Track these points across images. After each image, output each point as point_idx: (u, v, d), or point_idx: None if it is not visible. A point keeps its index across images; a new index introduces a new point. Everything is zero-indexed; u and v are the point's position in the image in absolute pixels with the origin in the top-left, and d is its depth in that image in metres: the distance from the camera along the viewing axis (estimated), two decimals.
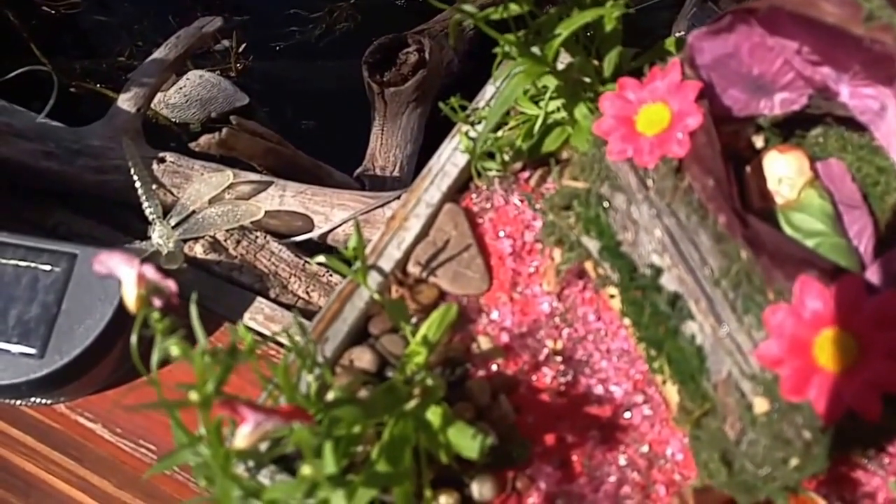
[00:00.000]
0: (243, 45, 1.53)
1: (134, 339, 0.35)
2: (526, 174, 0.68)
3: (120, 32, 1.58)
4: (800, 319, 0.38)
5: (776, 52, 0.47)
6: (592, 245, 0.53)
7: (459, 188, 0.67)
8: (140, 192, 0.82)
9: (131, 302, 0.35)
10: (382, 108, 1.13)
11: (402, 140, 1.13)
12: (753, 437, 0.41)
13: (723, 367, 0.44)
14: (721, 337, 0.42)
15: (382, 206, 0.89)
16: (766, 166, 0.53)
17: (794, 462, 0.40)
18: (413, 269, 0.61)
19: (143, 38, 1.58)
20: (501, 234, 0.64)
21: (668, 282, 0.47)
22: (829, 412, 0.37)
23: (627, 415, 0.56)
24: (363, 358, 0.56)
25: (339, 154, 1.35)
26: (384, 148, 1.13)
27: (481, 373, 0.58)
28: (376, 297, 0.57)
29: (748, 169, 0.53)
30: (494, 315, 0.60)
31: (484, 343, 0.59)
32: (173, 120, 1.40)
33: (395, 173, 1.11)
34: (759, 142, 0.54)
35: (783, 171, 0.52)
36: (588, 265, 0.56)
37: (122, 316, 0.71)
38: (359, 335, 0.58)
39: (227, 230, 0.82)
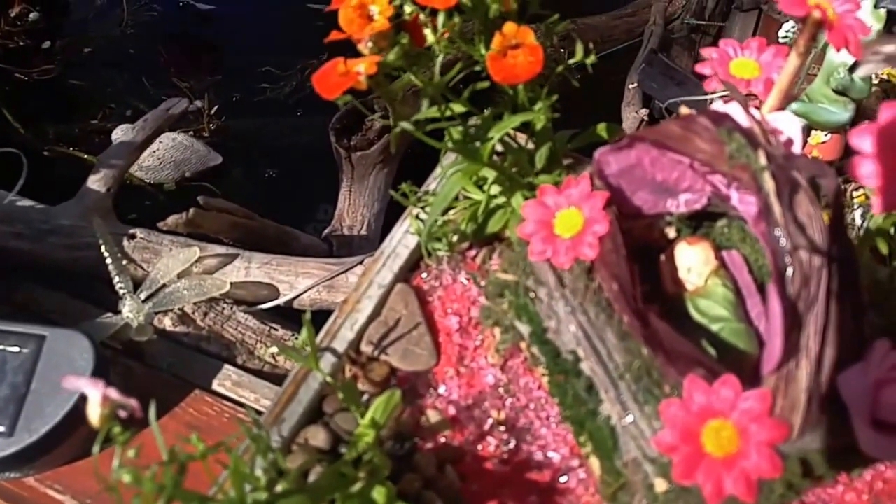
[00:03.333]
0: (216, 107, 1.59)
1: (96, 449, 0.39)
2: (472, 253, 0.73)
3: (93, 96, 1.63)
4: (689, 412, 0.44)
5: (673, 164, 0.53)
6: (524, 329, 0.59)
7: (410, 267, 0.72)
8: (111, 268, 0.87)
9: (95, 419, 0.40)
10: (350, 170, 1.19)
11: (369, 200, 1.19)
12: None
13: (630, 448, 0.49)
14: (625, 424, 0.48)
15: (345, 272, 0.95)
16: (677, 256, 0.58)
17: None
18: (365, 348, 0.66)
19: (116, 100, 1.64)
20: (449, 311, 0.69)
21: (586, 368, 0.53)
22: (714, 495, 0.42)
23: (564, 479, 0.61)
24: (318, 437, 0.61)
25: (310, 207, 1.40)
26: (352, 208, 1.18)
27: (429, 445, 0.63)
28: (329, 380, 0.62)
29: (662, 257, 0.59)
30: (442, 389, 0.65)
31: (432, 416, 0.64)
32: (147, 181, 1.45)
33: (363, 232, 1.16)
34: (671, 232, 0.60)
35: (691, 261, 0.57)
36: (522, 345, 0.61)
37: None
38: (313, 414, 0.63)
39: (195, 303, 0.87)
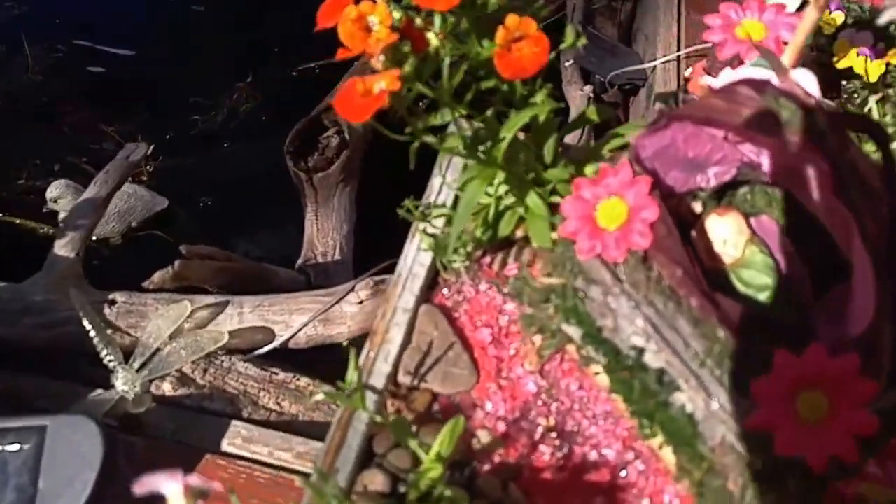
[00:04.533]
0: (151, 147, 1.51)
1: None
2: (487, 259, 0.70)
3: (13, 153, 1.52)
4: (779, 386, 0.42)
5: (706, 139, 0.51)
6: (573, 331, 0.56)
7: (429, 286, 0.69)
8: (96, 341, 0.80)
9: None
10: (313, 194, 1.14)
11: (337, 222, 1.15)
12: (754, 493, 0.45)
13: (716, 432, 0.47)
14: (713, 410, 0.46)
15: (338, 301, 0.91)
16: (710, 229, 0.57)
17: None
18: (403, 378, 0.63)
19: (40, 155, 1.53)
20: (478, 323, 0.67)
21: (653, 360, 0.51)
22: (818, 461, 0.41)
23: (623, 473, 0.59)
24: (376, 481, 0.57)
25: (272, 238, 1.35)
26: (321, 233, 1.14)
27: (487, 467, 0.60)
28: (377, 419, 0.58)
29: (693, 233, 0.58)
30: (488, 407, 0.62)
31: (483, 437, 0.61)
32: (93, 237, 1.36)
33: (337, 256, 1.12)
34: (697, 207, 0.59)
35: (726, 233, 0.56)
36: (570, 348, 0.59)
37: (103, 480, 0.69)
38: (365, 457, 0.59)
39: (193, 361, 0.81)
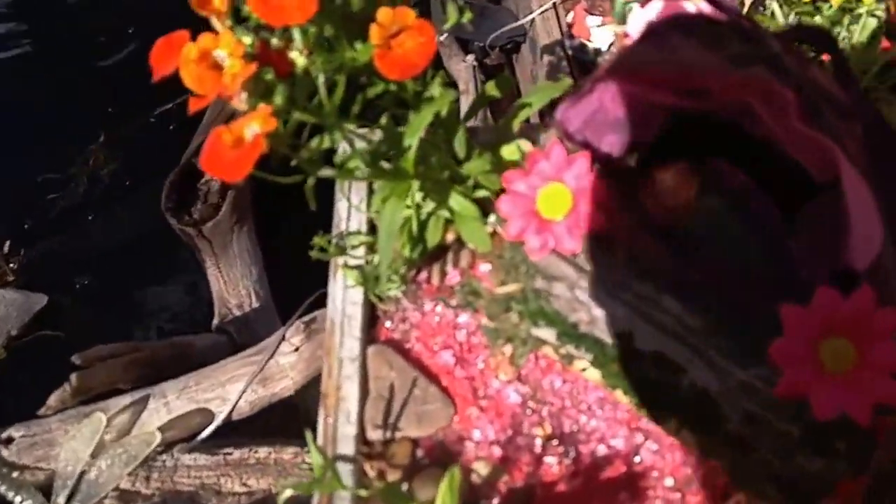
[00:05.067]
0: (6, 243, 1.34)
1: None
2: (424, 275, 0.64)
3: None
4: (797, 343, 0.38)
5: (635, 93, 0.46)
6: (546, 333, 0.51)
7: (369, 323, 0.62)
8: (3, 490, 0.68)
9: None
10: (208, 246, 1.04)
11: (243, 268, 1.05)
12: (802, 459, 0.41)
13: (738, 406, 0.43)
14: (731, 385, 0.42)
15: (271, 357, 0.82)
16: (659, 183, 0.52)
17: (841, 466, 0.40)
18: (374, 434, 0.56)
19: None
20: (436, 347, 0.60)
21: (645, 344, 0.46)
22: (861, 413, 0.37)
23: (638, 459, 0.55)
24: None
25: (175, 302, 1.23)
26: (230, 284, 1.04)
27: (496, 501, 0.54)
28: (361, 493, 0.51)
29: (641, 191, 0.53)
30: (476, 435, 0.56)
31: (482, 469, 0.55)
32: None
33: (255, 304, 1.03)
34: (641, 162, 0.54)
35: (673, 183, 0.52)
36: (547, 350, 0.53)
37: None
38: None
39: (129, 473, 0.71)
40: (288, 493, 0.48)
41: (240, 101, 0.43)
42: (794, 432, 0.41)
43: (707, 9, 0.41)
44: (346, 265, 0.63)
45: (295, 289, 0.90)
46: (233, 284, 1.03)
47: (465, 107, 1.14)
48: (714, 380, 0.43)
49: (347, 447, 0.54)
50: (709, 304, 0.41)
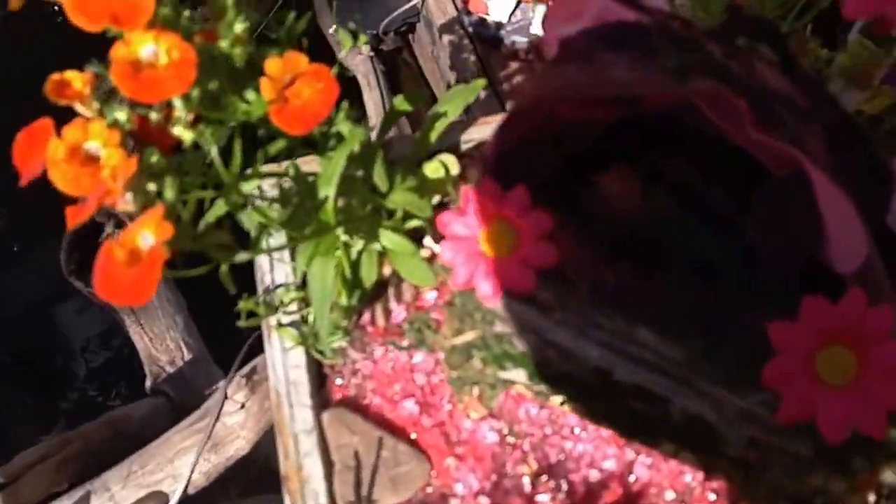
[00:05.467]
0: None
1: None
2: (367, 318, 0.59)
3: None
4: (793, 364, 0.35)
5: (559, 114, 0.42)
6: (516, 375, 0.47)
7: (318, 384, 0.56)
8: None
9: None
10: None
11: (166, 319, 0.97)
12: (819, 479, 0.39)
13: (741, 432, 0.40)
14: (729, 414, 0.38)
15: (217, 420, 0.76)
16: (602, 189, 0.49)
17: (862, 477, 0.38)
18: None
19: None
20: (396, 397, 0.55)
21: (624, 376, 0.42)
22: (877, 428, 0.34)
23: (633, 478, 0.52)
24: None
25: (95, 373, 1.14)
26: (156, 340, 0.96)
27: None
28: None
29: (588, 198, 0.49)
30: (460, 489, 0.52)
31: None
32: None
33: (187, 356, 0.96)
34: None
35: (616, 188, 0.48)
36: (520, 389, 0.49)
37: None
38: None
39: None
40: None
41: (125, 203, 0.36)
42: (806, 453, 0.38)
43: (629, 14, 0.37)
44: (279, 325, 0.57)
45: (228, 330, 0.83)
46: (159, 339, 0.95)
47: (369, 102, 1.07)
48: (709, 409, 0.39)
49: None
50: (686, 331, 0.38)
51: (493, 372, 0.47)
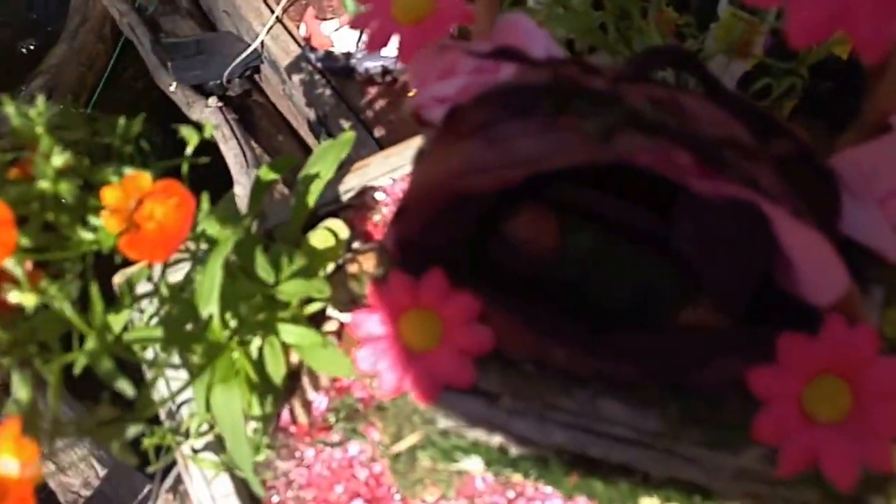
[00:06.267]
0: None
1: None
2: (286, 418, 0.53)
3: None
4: (780, 413, 0.32)
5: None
6: (472, 464, 0.43)
7: None
8: None
9: None
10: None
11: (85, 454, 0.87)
12: None
13: (739, 490, 0.37)
14: (723, 477, 0.35)
15: None
16: (512, 234, 0.45)
17: None
18: None
19: None
20: (343, 500, 0.50)
21: (600, 453, 0.39)
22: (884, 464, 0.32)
23: None
24: None
25: None
26: (71, 469, 0.86)
27: None
28: None
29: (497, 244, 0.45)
30: None
31: None
32: None
33: (101, 472, 0.86)
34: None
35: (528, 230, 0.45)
36: (478, 475, 0.45)
37: None
38: None
39: None
40: None
41: None
42: (815, 498, 0.36)
43: (509, 70, 0.33)
44: (194, 453, 0.51)
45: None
46: (69, 465, 0.85)
47: (228, 155, 1.00)
48: (701, 475, 0.36)
49: None
50: (653, 393, 0.34)
51: (445, 467, 0.42)
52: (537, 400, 0.35)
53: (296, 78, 0.97)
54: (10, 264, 0.34)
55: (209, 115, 1.06)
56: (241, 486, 0.50)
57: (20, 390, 0.30)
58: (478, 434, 0.39)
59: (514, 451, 0.40)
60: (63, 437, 0.31)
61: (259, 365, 0.52)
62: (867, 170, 0.32)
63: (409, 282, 0.35)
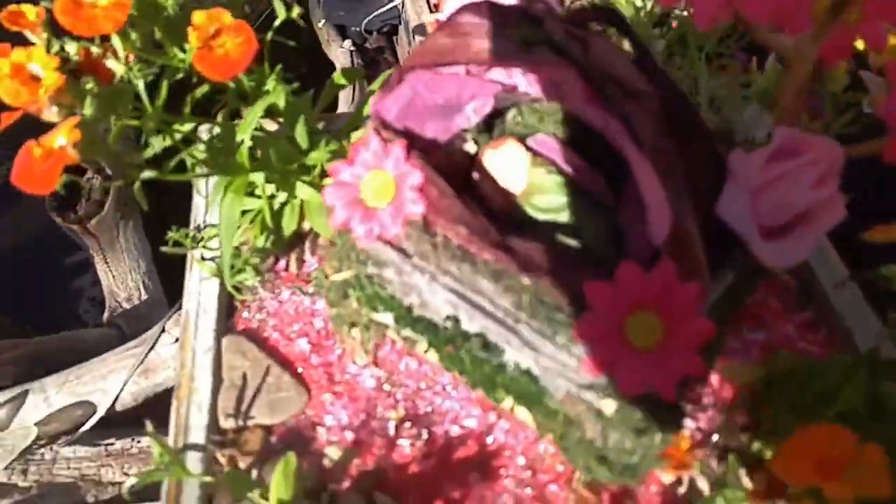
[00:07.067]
0: None
1: None
2: (282, 264, 0.65)
3: None
4: (601, 320, 0.40)
5: (449, 79, 0.48)
6: (385, 318, 0.53)
7: (227, 314, 0.63)
8: None
9: None
10: (94, 242, 1.03)
11: (131, 261, 1.04)
12: (617, 436, 0.44)
13: (559, 385, 0.46)
14: (545, 366, 0.44)
15: (152, 348, 0.82)
16: (489, 165, 0.54)
17: (657, 439, 0.43)
18: (226, 423, 0.57)
19: None
20: (292, 335, 0.62)
21: (471, 326, 0.48)
22: (667, 388, 0.39)
23: (490, 439, 0.57)
24: None
25: (70, 301, 1.20)
26: (119, 278, 1.03)
27: (346, 483, 0.56)
28: (208, 480, 0.53)
29: (475, 175, 0.55)
30: (329, 420, 0.58)
31: (333, 453, 0.57)
32: None
33: (144, 296, 1.02)
34: (471, 147, 0.56)
35: (506, 164, 0.54)
36: (391, 333, 0.56)
37: None
38: None
39: (6, 467, 0.71)
40: (132, 480, 0.49)
41: (50, 114, 0.43)
42: (608, 411, 0.43)
43: None
44: (201, 258, 0.63)
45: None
46: (121, 279, 1.02)
47: (340, 94, 1.14)
48: (531, 360, 0.45)
49: (199, 436, 0.56)
50: (522, 285, 0.43)
51: (366, 313, 0.53)
52: (435, 263, 0.44)
53: (419, 40, 1.09)
54: (117, 40, 0.48)
55: (340, 55, 1.20)
56: (224, 293, 0.63)
57: (87, 108, 0.43)
58: (394, 289, 0.49)
59: (416, 312, 0.50)
60: (98, 155, 0.43)
61: (276, 217, 0.64)
62: (752, 168, 0.40)
63: (380, 147, 0.46)
